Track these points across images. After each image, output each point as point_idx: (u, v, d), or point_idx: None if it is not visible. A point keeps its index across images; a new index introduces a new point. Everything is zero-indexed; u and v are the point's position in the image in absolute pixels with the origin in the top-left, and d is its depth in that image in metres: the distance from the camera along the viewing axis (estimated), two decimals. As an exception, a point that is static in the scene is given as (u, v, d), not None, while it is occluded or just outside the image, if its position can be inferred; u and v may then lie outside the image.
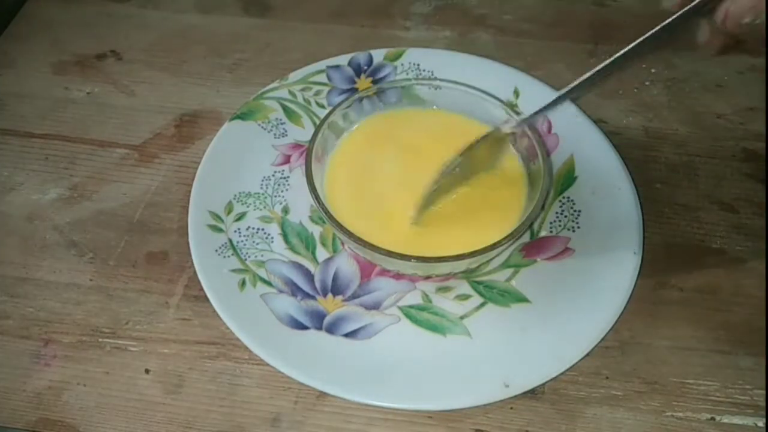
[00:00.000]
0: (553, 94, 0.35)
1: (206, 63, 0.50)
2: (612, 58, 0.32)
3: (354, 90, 0.46)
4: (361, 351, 0.35)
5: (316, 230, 0.40)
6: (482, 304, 0.37)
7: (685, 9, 0.29)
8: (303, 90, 0.46)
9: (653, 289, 0.38)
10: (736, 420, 0.34)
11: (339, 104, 0.40)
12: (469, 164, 0.37)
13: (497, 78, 0.45)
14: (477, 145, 0.37)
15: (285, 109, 0.45)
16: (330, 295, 0.37)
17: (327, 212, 0.35)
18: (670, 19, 0.30)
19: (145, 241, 0.41)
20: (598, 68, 0.33)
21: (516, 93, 0.45)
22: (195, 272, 0.37)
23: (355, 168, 0.40)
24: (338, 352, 0.35)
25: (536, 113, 0.36)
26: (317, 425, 0.34)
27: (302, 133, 0.44)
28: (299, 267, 0.38)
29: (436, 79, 0.44)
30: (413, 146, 0.40)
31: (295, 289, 0.37)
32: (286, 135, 0.44)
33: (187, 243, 0.38)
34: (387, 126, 0.41)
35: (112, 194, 0.43)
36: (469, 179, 0.38)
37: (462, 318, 0.36)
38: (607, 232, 0.39)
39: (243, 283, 0.37)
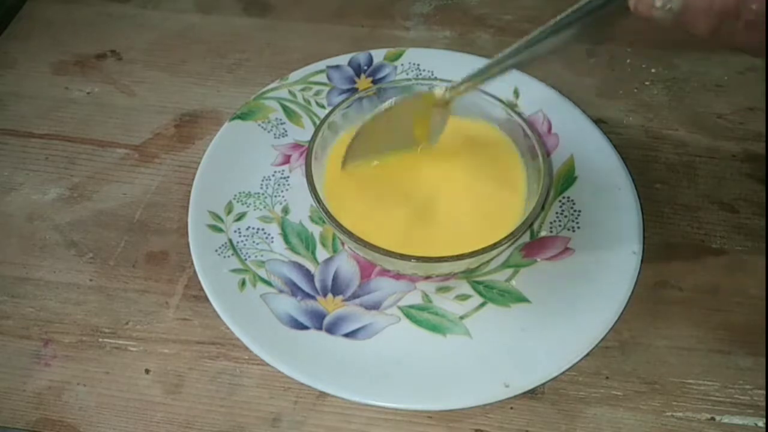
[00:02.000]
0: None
1: (206, 63, 0.50)
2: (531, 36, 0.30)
3: (354, 90, 0.46)
4: (361, 351, 0.35)
5: (316, 230, 0.40)
6: (482, 304, 0.37)
7: None
8: (303, 90, 0.46)
9: (653, 289, 0.38)
10: (736, 420, 0.34)
11: (339, 104, 0.40)
12: (399, 122, 0.37)
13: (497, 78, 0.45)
14: (403, 101, 0.37)
15: (285, 109, 0.45)
16: (330, 295, 0.37)
17: (327, 212, 0.35)
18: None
19: (145, 241, 0.41)
20: (527, 38, 0.31)
21: (516, 93, 0.45)
22: (195, 272, 0.37)
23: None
24: (338, 352, 0.35)
25: (471, 77, 0.35)
26: (317, 425, 0.34)
27: (302, 133, 0.44)
28: (299, 267, 0.38)
29: (436, 79, 0.44)
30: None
31: (295, 289, 0.37)
32: (286, 135, 0.44)
33: (187, 243, 0.38)
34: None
35: (112, 194, 0.43)
36: (404, 142, 0.39)
37: (462, 318, 0.36)
38: (607, 232, 0.39)
39: (243, 283, 0.37)
